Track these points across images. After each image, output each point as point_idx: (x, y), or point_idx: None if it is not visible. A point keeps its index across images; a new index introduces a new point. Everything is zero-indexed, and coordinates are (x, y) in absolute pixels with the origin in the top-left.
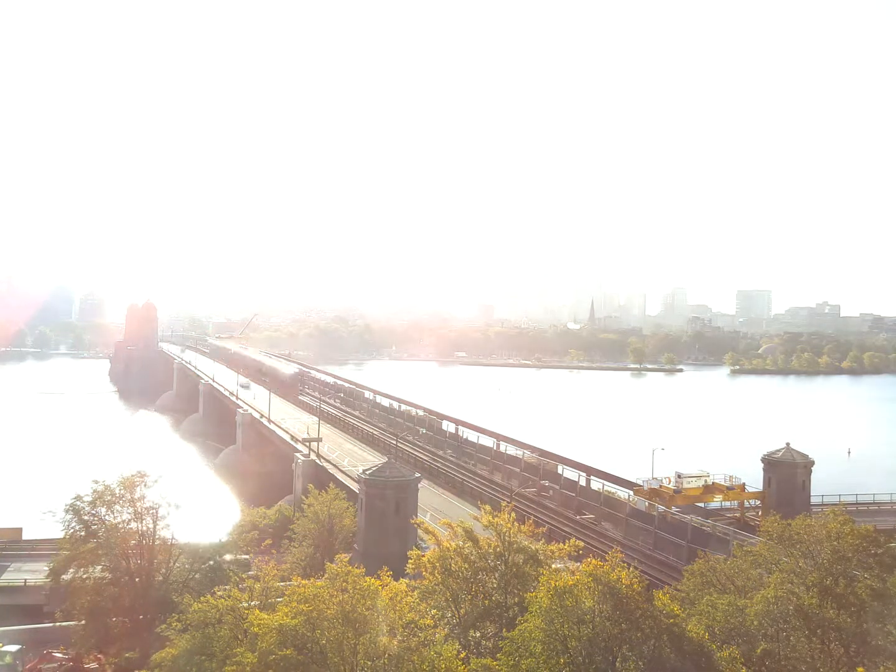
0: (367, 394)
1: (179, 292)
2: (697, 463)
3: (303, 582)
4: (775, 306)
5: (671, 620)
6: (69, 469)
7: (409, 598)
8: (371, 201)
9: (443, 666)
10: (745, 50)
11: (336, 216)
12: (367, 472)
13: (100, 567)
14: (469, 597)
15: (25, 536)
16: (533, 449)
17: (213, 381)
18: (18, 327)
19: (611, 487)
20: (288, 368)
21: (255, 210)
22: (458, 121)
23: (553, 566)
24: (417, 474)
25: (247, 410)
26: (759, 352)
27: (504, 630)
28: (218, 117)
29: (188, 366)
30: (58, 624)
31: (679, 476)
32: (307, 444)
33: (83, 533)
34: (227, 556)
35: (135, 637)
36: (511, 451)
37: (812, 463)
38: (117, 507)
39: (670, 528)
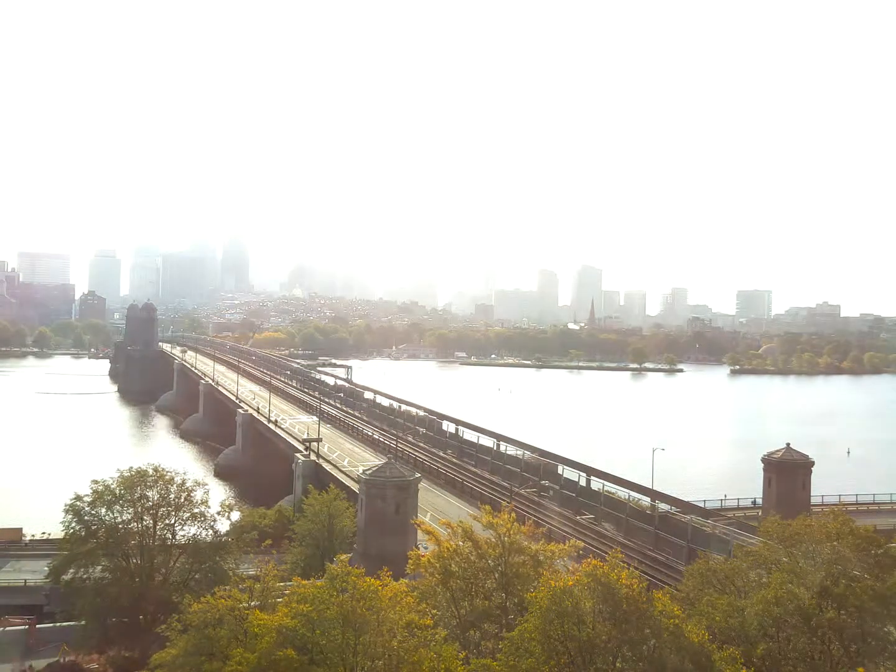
0: (368, 394)
1: (180, 292)
2: (698, 463)
3: (303, 582)
4: (775, 306)
5: (671, 621)
6: (69, 469)
7: (408, 598)
8: (371, 200)
9: (442, 667)
10: (745, 50)
11: (336, 218)
12: (368, 473)
13: (100, 567)
14: (469, 597)
15: (25, 536)
16: (533, 449)
17: (214, 381)
18: (19, 327)
19: (611, 487)
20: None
21: (256, 212)
22: (459, 121)
23: (553, 566)
24: (417, 474)
25: (247, 410)
26: (759, 352)
27: (504, 631)
28: (217, 115)
29: (188, 366)
30: (58, 624)
31: None
32: (307, 444)
33: (83, 533)
34: (227, 557)
35: (135, 637)
36: (511, 451)
37: (812, 463)
38: (117, 507)
39: (670, 529)
